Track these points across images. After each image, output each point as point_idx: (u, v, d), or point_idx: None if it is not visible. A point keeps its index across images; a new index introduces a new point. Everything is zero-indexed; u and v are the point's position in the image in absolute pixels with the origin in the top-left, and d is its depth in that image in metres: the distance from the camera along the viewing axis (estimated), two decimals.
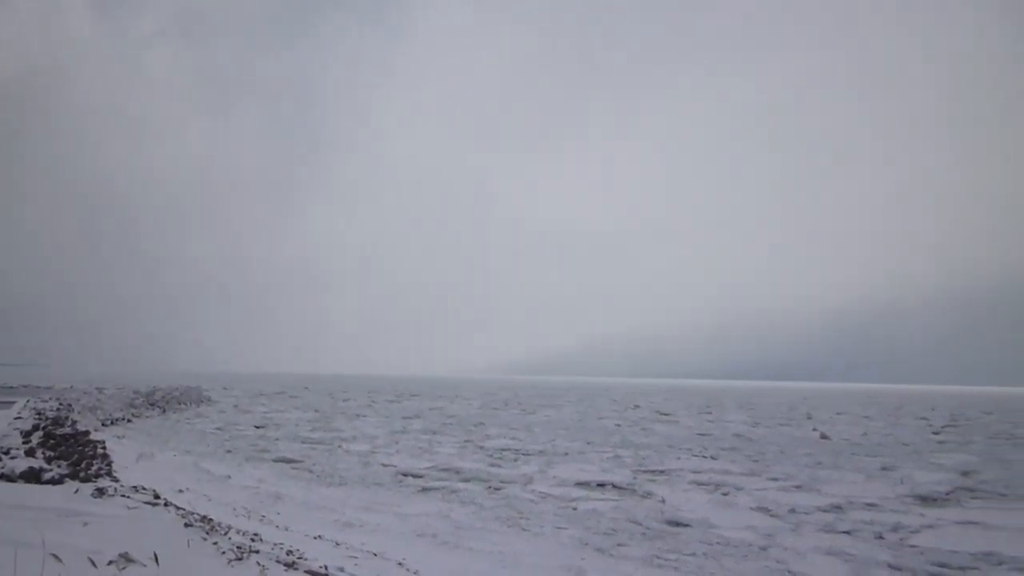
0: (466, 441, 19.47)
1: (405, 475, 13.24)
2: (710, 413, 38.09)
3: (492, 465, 14.62)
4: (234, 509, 8.90)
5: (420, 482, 12.50)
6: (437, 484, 12.27)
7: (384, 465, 14.41)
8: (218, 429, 21.58)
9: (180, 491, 9.41)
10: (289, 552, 6.08)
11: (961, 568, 7.44)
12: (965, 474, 14.70)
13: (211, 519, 6.95)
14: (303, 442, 18.48)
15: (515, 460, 15.59)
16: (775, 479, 13.42)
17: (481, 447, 18.03)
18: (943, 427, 30.71)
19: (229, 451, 16.17)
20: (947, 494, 12.10)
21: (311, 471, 13.51)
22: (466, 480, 12.80)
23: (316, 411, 31.83)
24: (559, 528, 8.93)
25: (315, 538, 7.48)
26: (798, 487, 12.57)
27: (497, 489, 11.82)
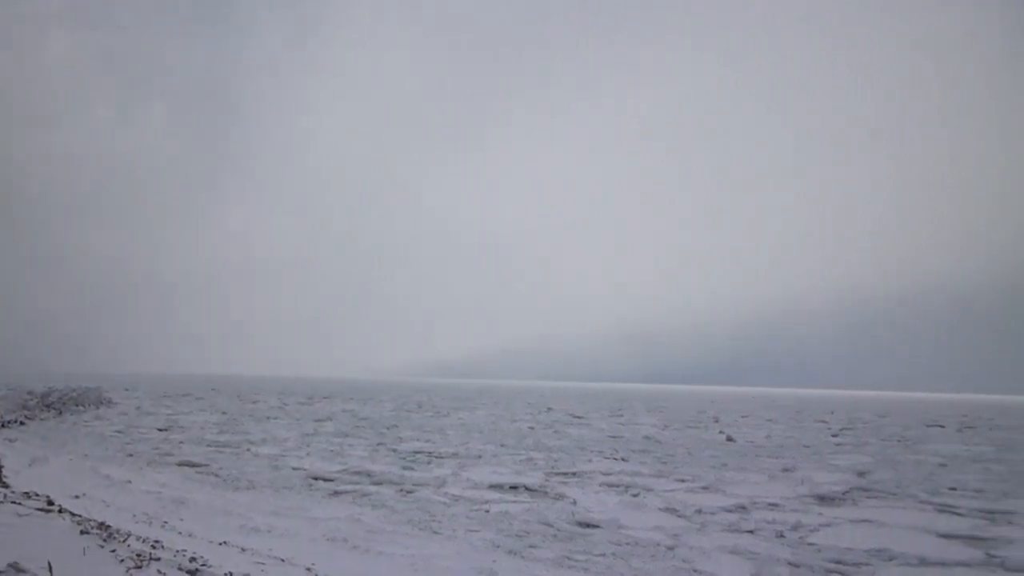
0: (379, 444, 19.26)
1: (316, 478, 13.01)
2: (621, 416, 38.73)
3: (405, 468, 14.51)
4: (134, 515, 8.57)
5: (331, 485, 12.30)
6: (348, 487, 12.10)
7: (294, 468, 14.13)
8: (118, 432, 20.74)
9: (76, 497, 9.02)
10: (192, 559, 5.89)
11: (855, 564, 7.78)
12: (860, 474, 15.37)
13: (109, 526, 6.68)
14: (209, 445, 17.93)
15: (428, 463, 15.52)
16: (683, 480, 13.75)
17: (394, 450, 17.87)
18: (841, 430, 32.03)
19: (130, 455, 15.56)
20: (843, 494, 12.64)
21: (217, 475, 13.13)
22: (378, 483, 12.67)
23: (224, 413, 30.94)
24: (471, 531, 8.93)
25: (220, 544, 7.27)
26: (705, 488, 12.91)
27: (409, 492, 11.74)
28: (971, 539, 9.20)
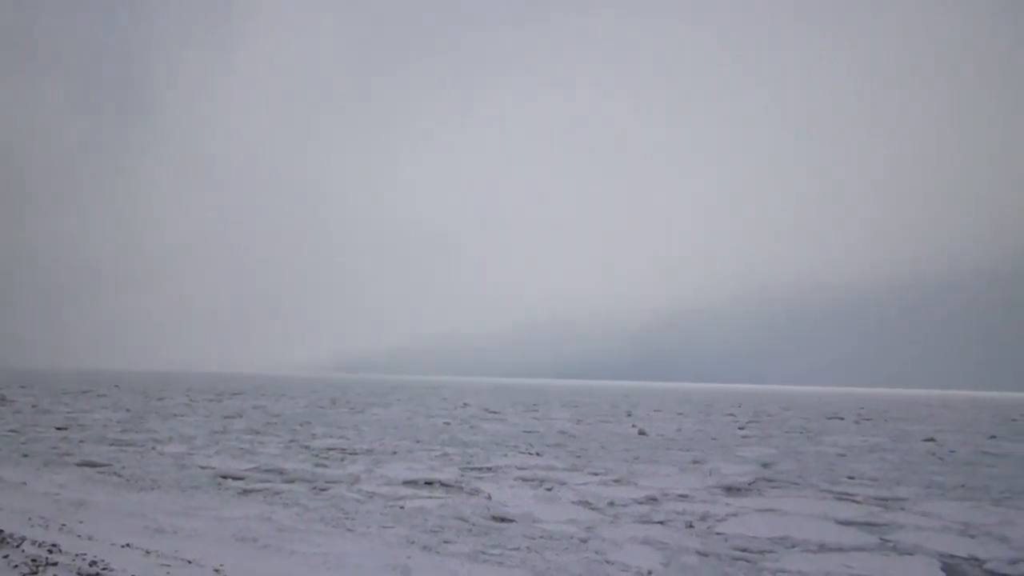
0: (291, 441, 18.89)
1: (224, 477, 12.68)
2: (536, 411, 39.05)
3: (318, 465, 14.28)
4: (30, 519, 8.19)
5: (241, 484, 12.00)
6: (259, 486, 11.83)
7: (202, 467, 13.72)
8: (12, 431, 19.73)
9: None
10: (92, 563, 5.67)
11: (760, 552, 8.07)
12: (765, 465, 15.93)
13: (1, 531, 6.36)
14: (112, 444, 17.25)
15: (342, 459, 15.31)
16: (596, 474, 13.96)
17: (307, 447, 17.56)
18: (747, 423, 33.09)
19: (25, 455, 14.82)
20: (750, 484, 13.07)
21: (120, 475, 12.64)
22: (290, 481, 12.43)
23: (127, 411, 29.80)
24: (385, 527, 8.86)
25: (123, 547, 7.02)
26: (617, 481, 13.15)
27: (322, 490, 11.56)
28: (867, 525, 9.65)
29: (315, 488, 11.69)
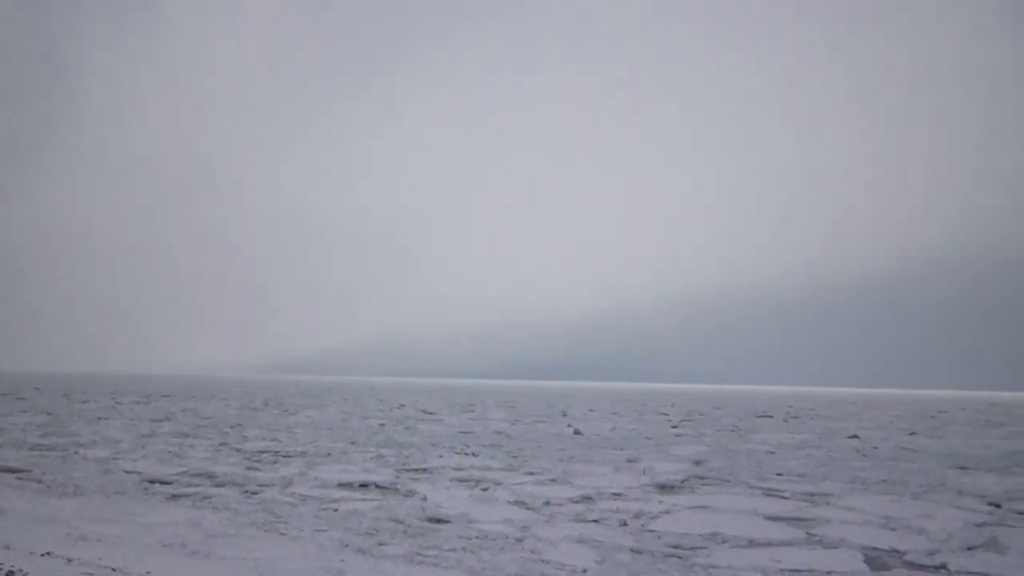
0: (221, 444, 18.48)
1: (152, 482, 12.33)
2: (473, 411, 39.03)
3: (249, 468, 14.00)
4: None
5: (168, 489, 11.68)
6: (188, 490, 11.53)
7: (128, 472, 13.32)
8: None
9: None
10: (10, 573, 5.45)
11: (692, 548, 8.21)
12: (698, 463, 16.22)
13: None
14: (32, 449, 16.62)
15: (274, 462, 15.04)
16: (532, 473, 14.02)
17: (238, 450, 17.20)
18: (680, 421, 33.66)
19: None
20: (682, 482, 13.30)
21: (40, 481, 12.19)
22: (220, 485, 12.16)
23: (48, 414, 28.73)
24: (319, 531, 8.73)
25: (43, 555, 6.77)
26: (553, 480, 13.22)
27: (254, 493, 11.34)
28: (794, 520, 9.92)
29: (246, 492, 11.46)
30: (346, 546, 7.96)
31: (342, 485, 12.28)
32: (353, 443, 19.30)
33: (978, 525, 9.72)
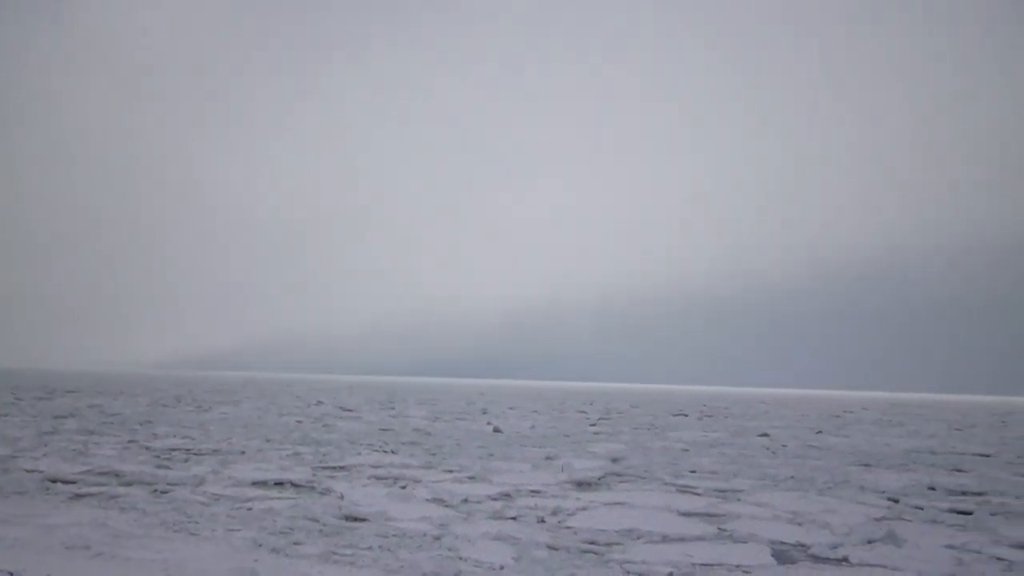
0: (130, 441, 17.84)
1: (54, 481, 11.82)
2: (392, 409, 38.72)
3: (159, 467, 13.56)
4: None
5: (72, 488, 11.22)
6: (93, 490, 11.10)
7: (28, 471, 12.73)
8: None
9: None
10: None
11: (607, 544, 8.35)
12: (614, 460, 16.48)
13: None
14: None
15: (186, 460, 14.62)
16: (451, 471, 14.00)
17: (147, 447, 16.65)
18: (598, 419, 34.12)
19: None
20: (599, 479, 13.49)
21: None
22: (127, 484, 11.74)
23: None
24: (231, 530, 8.53)
25: None
26: (472, 478, 13.24)
27: (163, 492, 10.99)
28: (706, 516, 10.18)
29: (155, 491, 11.11)
30: (260, 546, 7.79)
31: (257, 483, 12.02)
32: (269, 440, 18.91)
33: (877, 519, 10.17)
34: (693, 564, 7.50)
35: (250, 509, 9.87)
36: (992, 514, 10.92)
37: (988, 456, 20.52)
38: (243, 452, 16.15)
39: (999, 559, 8.10)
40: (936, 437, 28.22)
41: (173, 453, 15.76)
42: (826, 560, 7.98)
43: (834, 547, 8.46)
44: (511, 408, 43.90)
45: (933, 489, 13.44)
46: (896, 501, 11.98)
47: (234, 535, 8.29)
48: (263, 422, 25.83)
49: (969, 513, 10.96)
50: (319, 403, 42.56)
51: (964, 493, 13.10)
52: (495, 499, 11.12)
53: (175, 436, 19.55)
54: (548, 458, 16.48)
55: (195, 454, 15.70)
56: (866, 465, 17.07)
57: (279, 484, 12.08)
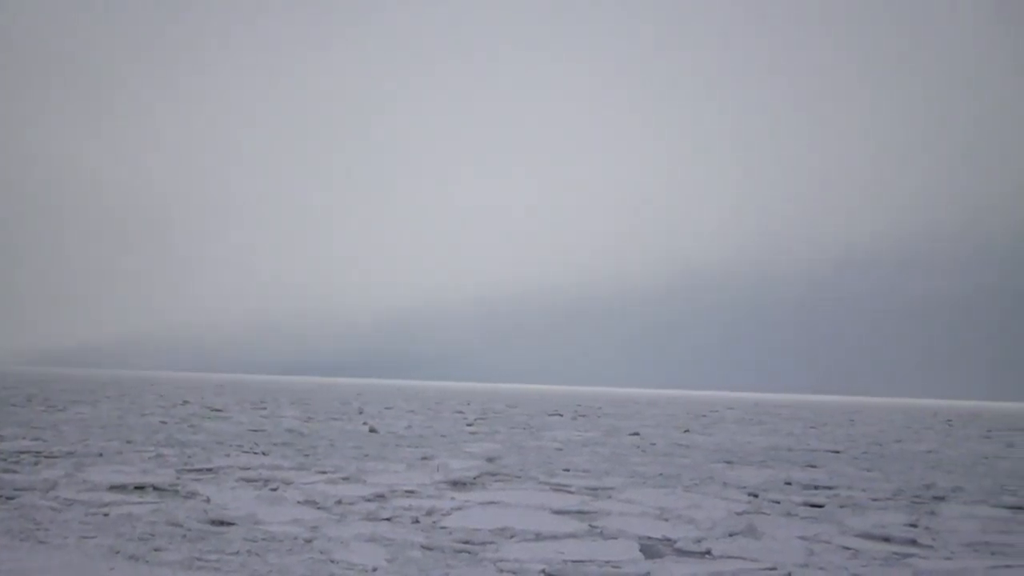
0: None
1: None
2: (264, 408, 37.59)
3: (5, 471, 12.64)
4: None
5: None
6: None
7: None
8: None
9: None
10: None
11: (482, 543, 8.39)
12: (490, 460, 16.59)
13: None
14: None
15: (35, 464, 13.69)
16: (324, 472, 13.72)
17: None
18: (475, 419, 34.26)
19: None
20: (475, 478, 13.54)
21: None
22: None
23: None
24: (85, 537, 8.04)
25: None
26: (346, 479, 13.02)
27: (9, 498, 10.25)
28: (579, 513, 10.40)
29: (0, 497, 10.34)
30: (116, 553, 7.39)
31: (114, 488, 11.39)
32: (129, 442, 17.96)
33: (739, 514, 10.69)
34: (565, 561, 7.64)
35: (107, 515, 9.34)
36: (841, 506, 11.72)
37: (838, 452, 21.98)
38: (100, 454, 15.26)
39: (846, 548, 8.70)
40: (793, 435, 29.96)
41: (21, 456, 14.71)
42: (690, 554, 8.32)
43: (698, 541, 8.83)
44: (387, 408, 43.48)
45: (789, 484, 14.26)
46: (756, 496, 12.62)
47: (88, 542, 7.82)
48: (123, 423, 24.47)
49: (821, 506, 11.73)
50: (185, 403, 40.76)
51: (816, 487, 13.95)
52: (369, 500, 10.98)
53: (24, 438, 18.24)
54: (424, 458, 16.41)
55: (46, 457, 14.72)
56: (729, 462, 17.90)
57: (140, 488, 11.49)
